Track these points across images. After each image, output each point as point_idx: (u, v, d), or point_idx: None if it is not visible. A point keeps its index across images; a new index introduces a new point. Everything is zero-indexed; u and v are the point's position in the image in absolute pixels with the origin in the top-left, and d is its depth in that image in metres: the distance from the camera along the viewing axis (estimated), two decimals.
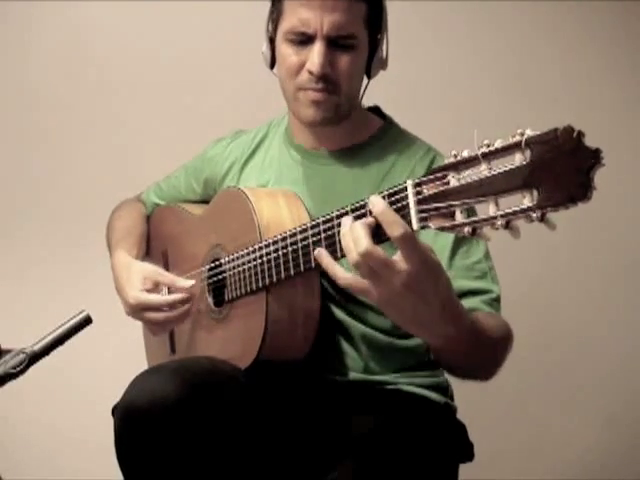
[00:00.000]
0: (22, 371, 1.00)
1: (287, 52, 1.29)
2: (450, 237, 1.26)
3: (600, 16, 2.19)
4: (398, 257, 0.91)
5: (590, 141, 0.76)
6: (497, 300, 1.26)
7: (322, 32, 1.25)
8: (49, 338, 1.03)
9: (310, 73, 1.27)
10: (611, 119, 2.15)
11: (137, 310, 1.37)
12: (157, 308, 1.35)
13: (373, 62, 1.34)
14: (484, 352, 1.12)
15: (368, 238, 0.92)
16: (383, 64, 1.37)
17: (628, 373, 2.17)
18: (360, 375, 1.30)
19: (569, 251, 2.16)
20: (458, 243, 1.27)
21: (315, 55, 1.25)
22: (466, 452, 1.31)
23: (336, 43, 1.26)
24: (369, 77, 1.37)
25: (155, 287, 1.38)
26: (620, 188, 2.11)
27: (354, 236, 0.93)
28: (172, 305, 1.34)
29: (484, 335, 1.09)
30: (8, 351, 1.01)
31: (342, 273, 0.97)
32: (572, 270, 2.19)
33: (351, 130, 1.37)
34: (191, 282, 1.35)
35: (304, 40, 1.27)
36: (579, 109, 2.10)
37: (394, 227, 0.90)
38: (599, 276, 2.19)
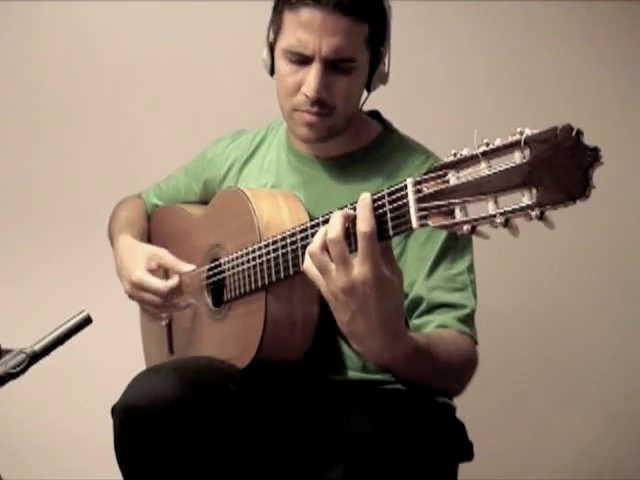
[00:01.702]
0: (22, 371, 1.00)
1: (284, 71, 1.28)
2: (437, 246, 1.27)
3: (600, 16, 2.18)
4: (354, 260, 0.94)
5: (590, 140, 0.76)
6: (470, 316, 1.27)
7: (320, 55, 1.23)
8: (49, 338, 1.02)
9: (306, 96, 1.26)
10: (611, 118, 2.16)
11: (137, 289, 1.37)
12: (155, 292, 1.35)
13: (374, 77, 1.32)
14: (429, 377, 1.14)
15: (342, 229, 0.95)
16: (384, 79, 1.35)
17: (628, 373, 2.17)
18: (358, 374, 1.30)
19: (569, 251, 2.16)
20: (443, 253, 1.28)
21: (311, 79, 1.24)
22: (465, 451, 1.31)
23: (334, 66, 1.24)
24: (369, 91, 1.35)
25: (159, 269, 1.39)
26: (620, 187, 2.11)
27: (330, 222, 0.96)
28: (170, 292, 1.34)
29: (433, 362, 1.11)
30: (8, 351, 1.01)
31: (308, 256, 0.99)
32: (572, 270, 2.19)
33: (351, 137, 1.37)
34: (191, 267, 1.35)
35: (302, 60, 1.25)
36: (579, 109, 2.10)
37: (365, 223, 0.93)
38: (599, 276, 2.19)
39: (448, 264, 1.28)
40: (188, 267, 1.35)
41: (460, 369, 1.21)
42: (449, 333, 1.22)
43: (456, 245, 1.28)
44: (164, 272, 1.42)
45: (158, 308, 1.39)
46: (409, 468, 1.14)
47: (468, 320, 1.25)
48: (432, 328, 1.23)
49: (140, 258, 1.40)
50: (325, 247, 0.97)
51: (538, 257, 2.14)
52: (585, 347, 2.19)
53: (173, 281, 1.35)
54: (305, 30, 1.22)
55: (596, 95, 2.18)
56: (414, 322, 1.26)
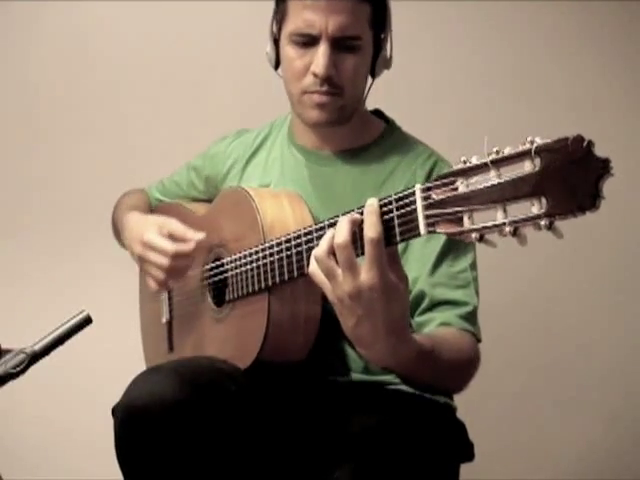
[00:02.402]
0: (22, 371, 1.00)
1: (292, 55, 1.29)
2: (439, 243, 1.27)
3: (600, 16, 2.18)
4: (361, 266, 0.94)
5: (589, 138, 0.76)
6: (473, 314, 1.27)
7: (327, 33, 1.25)
8: (49, 338, 1.02)
9: (315, 75, 1.27)
10: (610, 118, 2.15)
11: (146, 248, 1.36)
12: (164, 252, 1.34)
13: (377, 62, 1.35)
14: (433, 379, 1.15)
15: (349, 234, 0.95)
16: (387, 64, 1.37)
17: (628, 373, 2.17)
18: (360, 375, 1.31)
19: (569, 251, 2.16)
20: (446, 250, 1.28)
21: (320, 57, 1.25)
22: (466, 452, 1.32)
23: (341, 45, 1.26)
24: (373, 77, 1.37)
25: (169, 237, 1.36)
26: (620, 186, 2.10)
27: (337, 227, 0.96)
28: (178, 255, 1.33)
29: (436, 364, 1.12)
30: (8, 351, 1.01)
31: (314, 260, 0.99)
32: (572, 270, 2.19)
33: (354, 132, 1.37)
34: (201, 235, 1.33)
35: (309, 42, 1.27)
36: (579, 109, 2.10)
37: (372, 228, 0.93)
38: (599, 276, 2.19)
39: (451, 261, 1.28)
40: (198, 235, 1.33)
41: (463, 369, 1.22)
42: (452, 333, 1.22)
43: (458, 243, 1.29)
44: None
45: (162, 271, 1.36)
46: (411, 468, 1.15)
47: (470, 317, 1.26)
48: (434, 326, 1.24)
49: (152, 224, 1.40)
50: (332, 251, 0.97)
51: (538, 257, 2.13)
52: (585, 347, 2.19)
53: (182, 245, 1.33)
54: (311, 11, 1.24)
55: (598, 97, 2.18)
56: (417, 319, 1.27)
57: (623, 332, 2.19)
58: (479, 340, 1.27)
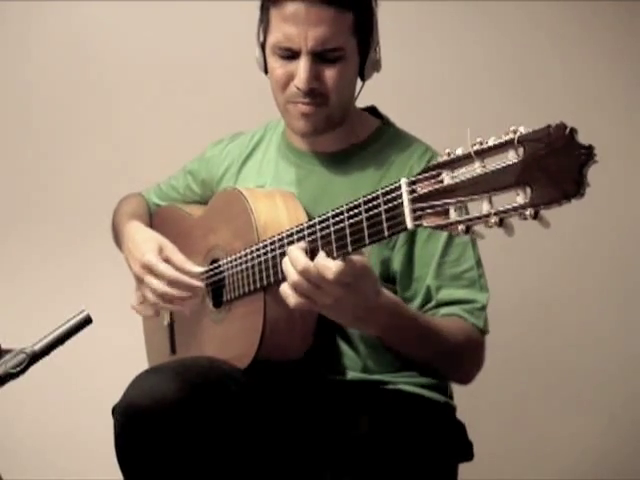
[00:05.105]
0: (22, 371, 1.01)
1: (275, 65, 1.29)
2: (439, 244, 1.28)
3: (600, 16, 2.18)
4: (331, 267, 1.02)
5: (590, 140, 0.76)
6: (481, 309, 1.28)
7: (307, 48, 1.23)
8: (49, 338, 1.03)
9: (297, 88, 1.26)
10: (611, 119, 2.15)
11: (146, 270, 1.36)
12: (162, 277, 1.34)
13: (366, 65, 1.33)
14: (436, 346, 1.21)
15: (305, 257, 1.05)
16: (377, 66, 1.35)
17: (629, 374, 2.16)
18: (359, 375, 1.31)
19: (569, 251, 2.16)
20: (447, 250, 1.28)
21: (300, 71, 1.24)
22: (465, 451, 1.32)
23: (322, 57, 1.25)
24: (363, 80, 1.36)
25: (166, 261, 1.37)
26: (621, 188, 2.11)
27: (291, 258, 1.06)
28: (174, 283, 1.33)
29: (434, 330, 1.20)
30: (8, 351, 1.02)
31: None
32: (572, 270, 2.19)
33: (348, 132, 1.37)
34: (199, 269, 1.34)
35: (290, 55, 1.26)
36: (579, 109, 2.09)
37: (327, 272, 1.02)
38: (599, 276, 2.19)
39: (454, 262, 1.28)
40: (196, 268, 1.34)
41: (459, 347, 1.24)
42: (447, 319, 1.25)
43: (459, 239, 1.29)
44: None
45: (158, 297, 1.36)
46: (409, 468, 1.16)
47: (475, 312, 1.26)
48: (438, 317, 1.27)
49: (153, 243, 1.39)
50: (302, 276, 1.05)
51: (538, 257, 2.13)
52: (585, 348, 2.18)
53: (182, 277, 1.33)
54: (290, 24, 1.23)
55: (598, 96, 2.18)
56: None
57: (623, 333, 2.18)
58: (483, 333, 1.28)
